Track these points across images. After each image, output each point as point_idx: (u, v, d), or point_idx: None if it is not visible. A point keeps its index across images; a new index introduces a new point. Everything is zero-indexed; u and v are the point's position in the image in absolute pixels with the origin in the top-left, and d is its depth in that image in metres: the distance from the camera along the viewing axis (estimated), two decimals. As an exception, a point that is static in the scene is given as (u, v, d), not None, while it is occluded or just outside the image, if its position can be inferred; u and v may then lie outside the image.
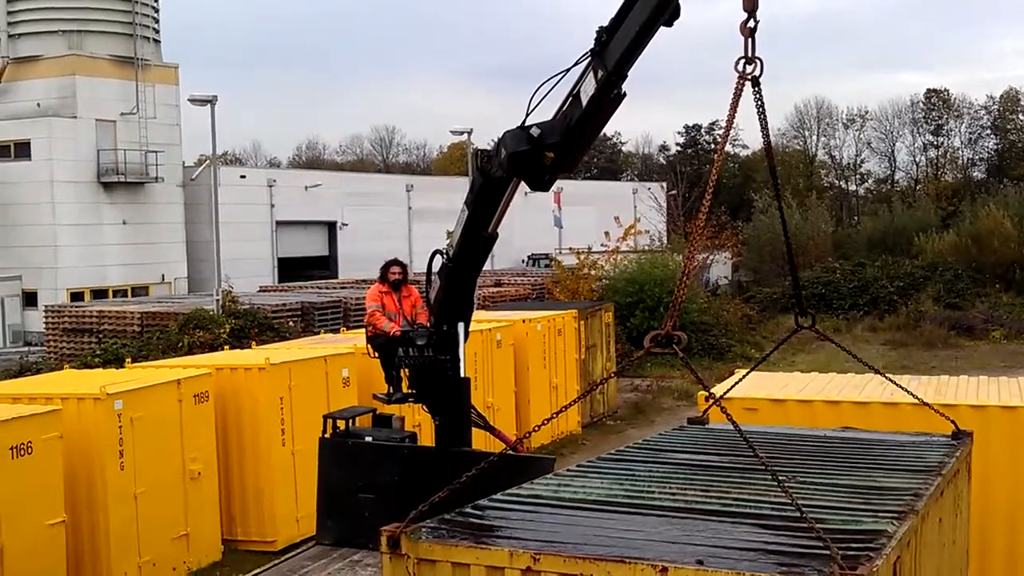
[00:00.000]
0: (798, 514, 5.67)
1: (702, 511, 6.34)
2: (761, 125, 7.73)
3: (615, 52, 8.54)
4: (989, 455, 11.10)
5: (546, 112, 9.25)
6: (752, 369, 10.74)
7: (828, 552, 5.20)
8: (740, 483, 6.88)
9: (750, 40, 7.42)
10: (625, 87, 8.97)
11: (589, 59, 8.74)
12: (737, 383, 10.59)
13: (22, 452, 12.46)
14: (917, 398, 9.88)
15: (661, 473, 7.41)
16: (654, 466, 7.68)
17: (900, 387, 9.98)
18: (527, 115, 9.31)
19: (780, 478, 5.98)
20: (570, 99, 9.07)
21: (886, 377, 10.16)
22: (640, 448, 8.60)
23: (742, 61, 7.39)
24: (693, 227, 8.06)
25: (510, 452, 8.14)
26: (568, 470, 7.76)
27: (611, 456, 8.28)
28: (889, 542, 5.63)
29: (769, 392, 12.79)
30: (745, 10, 7.45)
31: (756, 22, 7.46)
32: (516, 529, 6.03)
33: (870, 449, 8.57)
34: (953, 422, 9.30)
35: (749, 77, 7.38)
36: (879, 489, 6.96)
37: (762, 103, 7.54)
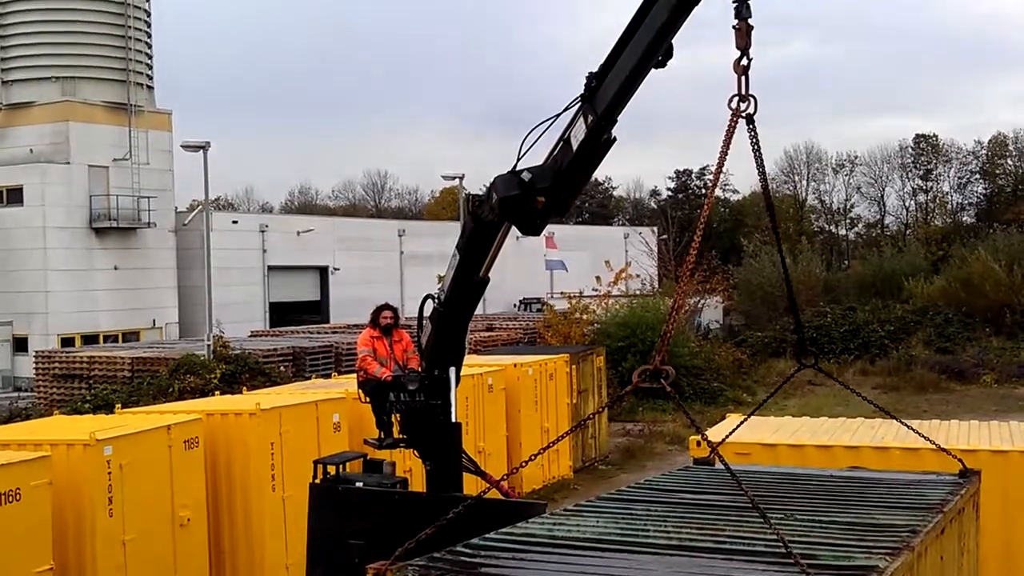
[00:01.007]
0: (791, 549, 5.69)
1: (695, 548, 6.35)
2: (756, 163, 7.75)
3: (605, 97, 8.62)
4: (980, 499, 11.08)
5: (537, 157, 9.32)
6: (753, 412, 10.75)
7: None
8: (737, 521, 6.88)
9: (744, 78, 7.49)
10: (616, 132, 9.04)
11: (579, 104, 8.82)
12: (738, 426, 10.56)
13: (10, 499, 12.36)
14: (934, 443, 9.73)
15: (659, 512, 7.40)
16: (653, 506, 7.66)
17: (914, 431, 9.89)
18: (518, 159, 9.38)
19: (767, 514, 6.00)
20: (561, 144, 9.13)
21: (898, 420, 10.10)
22: (641, 488, 8.60)
23: (736, 99, 7.46)
24: (684, 262, 8.09)
25: (500, 495, 8.10)
26: (566, 509, 7.75)
27: (610, 496, 8.28)
28: None
29: (761, 437, 12.80)
30: (738, 48, 7.54)
31: (749, 60, 7.54)
32: (504, 567, 6.03)
33: (874, 488, 8.54)
34: (960, 460, 9.26)
35: (743, 115, 7.44)
36: (876, 526, 6.95)
37: (757, 141, 7.59)
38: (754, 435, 12.74)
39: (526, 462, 7.29)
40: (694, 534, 6.68)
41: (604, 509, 7.55)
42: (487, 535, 6.71)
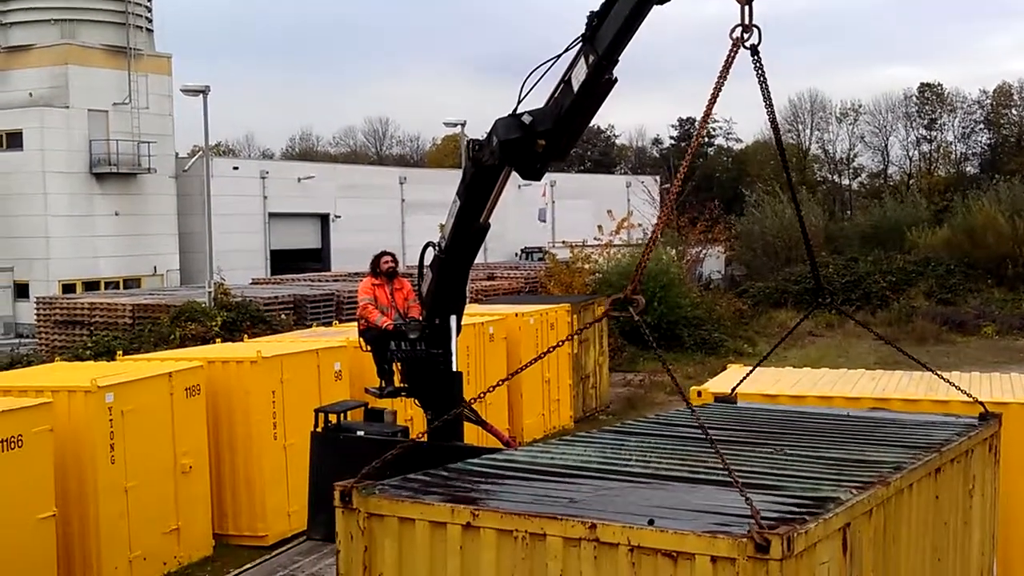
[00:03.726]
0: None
1: (666, 477, 6.42)
2: (763, 96, 7.60)
3: (606, 36, 8.54)
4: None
5: (538, 100, 9.24)
6: (762, 361, 10.69)
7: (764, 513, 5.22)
8: (724, 454, 6.88)
9: (747, 8, 7.36)
10: (619, 80, 8.95)
11: (580, 44, 8.73)
12: (746, 376, 10.50)
13: (12, 445, 12.40)
14: (965, 392, 9.51)
15: (649, 444, 7.43)
16: (647, 438, 7.68)
17: (945, 380, 9.73)
18: (519, 102, 9.31)
19: (718, 446, 5.99)
20: (562, 85, 9.05)
21: (931, 370, 10.00)
22: (646, 421, 8.63)
23: (738, 28, 7.32)
24: (670, 192, 7.87)
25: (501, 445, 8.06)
26: (560, 439, 7.81)
27: (611, 428, 8.32)
28: (835, 508, 5.62)
29: (761, 387, 12.73)
30: None
31: None
32: (474, 490, 6.15)
33: (881, 427, 8.47)
34: (982, 404, 9.16)
35: (745, 45, 7.30)
36: (863, 462, 6.91)
37: (763, 73, 7.44)
38: (754, 386, 12.68)
39: (485, 393, 7.27)
40: (672, 464, 6.73)
41: (597, 440, 7.60)
42: (470, 460, 6.85)
